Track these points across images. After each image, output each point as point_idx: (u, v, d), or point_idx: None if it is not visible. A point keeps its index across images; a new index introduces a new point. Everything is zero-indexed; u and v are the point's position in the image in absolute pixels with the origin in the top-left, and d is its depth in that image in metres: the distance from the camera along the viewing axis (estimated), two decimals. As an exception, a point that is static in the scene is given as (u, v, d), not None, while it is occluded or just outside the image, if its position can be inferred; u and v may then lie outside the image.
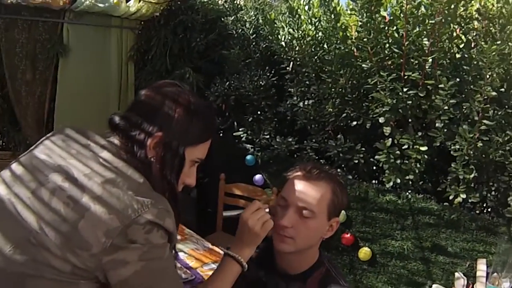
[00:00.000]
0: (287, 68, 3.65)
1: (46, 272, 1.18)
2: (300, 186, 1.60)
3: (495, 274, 2.69)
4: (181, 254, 2.70)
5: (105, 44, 4.10)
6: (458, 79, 2.85)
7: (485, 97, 2.66)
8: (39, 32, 3.85)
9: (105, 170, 1.27)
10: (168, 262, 1.32)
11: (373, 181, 3.30)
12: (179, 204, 1.41)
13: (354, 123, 3.29)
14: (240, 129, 3.90)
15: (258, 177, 3.72)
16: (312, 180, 1.60)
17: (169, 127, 1.36)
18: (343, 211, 3.22)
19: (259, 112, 3.85)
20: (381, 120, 3.03)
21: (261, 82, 3.71)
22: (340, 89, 3.28)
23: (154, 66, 4.11)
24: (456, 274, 2.87)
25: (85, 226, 1.17)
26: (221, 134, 4.16)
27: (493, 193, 2.84)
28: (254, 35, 3.91)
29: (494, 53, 2.57)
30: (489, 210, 2.92)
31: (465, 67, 2.90)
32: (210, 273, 2.60)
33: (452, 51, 3.02)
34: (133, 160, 1.33)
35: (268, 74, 3.75)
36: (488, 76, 2.63)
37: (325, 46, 3.48)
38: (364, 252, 3.23)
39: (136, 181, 1.28)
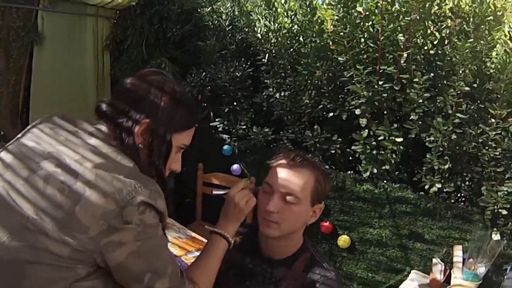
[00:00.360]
0: (263, 59, 3.68)
1: (45, 258, 1.21)
2: (284, 173, 1.67)
3: (471, 259, 2.82)
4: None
5: (81, 33, 4.04)
6: (432, 74, 2.95)
7: (458, 91, 2.77)
8: (12, 19, 3.78)
9: (95, 155, 1.31)
10: (161, 241, 1.38)
11: (350, 171, 3.39)
12: (167, 188, 1.45)
13: (331, 114, 3.37)
14: (217, 120, 3.93)
15: (235, 166, 3.78)
16: (296, 167, 1.68)
17: (155, 115, 1.41)
18: (321, 200, 3.32)
19: (235, 103, 3.88)
20: (357, 112, 3.12)
21: (237, 73, 3.74)
22: (316, 81, 3.35)
23: (130, 55, 4.09)
24: (434, 260, 3.00)
25: (81, 211, 1.21)
26: (197, 125, 4.17)
27: (467, 183, 2.96)
28: (230, 27, 3.92)
29: (467, 50, 2.69)
30: (463, 199, 3.04)
31: (438, 62, 3.01)
32: (195, 260, 2.65)
33: (426, 47, 3.12)
34: (121, 146, 1.37)
35: (244, 65, 3.77)
36: (461, 72, 2.74)
37: (301, 39, 3.53)
38: (343, 240, 3.33)
39: (126, 165, 1.33)
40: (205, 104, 4.13)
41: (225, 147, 3.83)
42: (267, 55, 3.67)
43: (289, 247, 1.77)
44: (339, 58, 3.16)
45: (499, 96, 2.71)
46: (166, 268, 1.36)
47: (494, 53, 2.94)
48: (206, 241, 1.80)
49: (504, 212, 2.72)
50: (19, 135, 1.46)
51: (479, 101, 2.90)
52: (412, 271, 3.14)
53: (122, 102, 1.43)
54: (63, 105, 3.96)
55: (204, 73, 3.94)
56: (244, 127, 3.79)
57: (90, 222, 1.20)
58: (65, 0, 3.85)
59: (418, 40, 3.03)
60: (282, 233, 1.67)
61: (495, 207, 2.73)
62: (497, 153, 2.72)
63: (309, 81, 3.38)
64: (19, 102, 4.02)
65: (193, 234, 3.11)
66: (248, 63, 3.81)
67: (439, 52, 3.07)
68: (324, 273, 1.73)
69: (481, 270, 2.78)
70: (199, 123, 1.59)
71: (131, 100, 1.42)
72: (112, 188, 1.24)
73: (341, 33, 3.10)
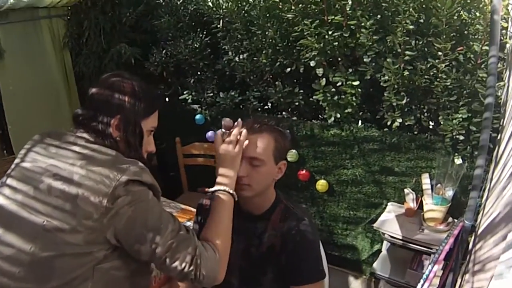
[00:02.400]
0: (218, 26, 3.55)
1: (66, 249, 1.38)
2: (247, 140, 1.75)
3: (439, 185, 2.83)
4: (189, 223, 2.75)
5: (38, 37, 3.86)
6: (379, 16, 2.86)
7: (405, 30, 2.68)
8: (-32, 40, 3.55)
9: (81, 159, 1.47)
10: (154, 203, 1.48)
11: (317, 119, 3.37)
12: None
13: (288, 69, 3.28)
14: (185, 92, 3.84)
15: (210, 133, 3.72)
16: (255, 133, 1.78)
17: (123, 110, 1.57)
18: (294, 151, 3.31)
19: (199, 73, 3.78)
20: (312, 63, 3.04)
21: (195, 45, 3.62)
22: (270, 40, 3.23)
23: (91, 48, 3.93)
24: (406, 191, 3.01)
25: (82, 201, 1.37)
26: (167, 100, 4.08)
27: (425, 114, 2.93)
28: (181, 0, 3.74)
29: (406, -12, 2.59)
30: (425, 129, 3.01)
31: (384, 4, 2.87)
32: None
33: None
34: (102, 144, 1.54)
35: (201, 35, 3.65)
36: (405, 11, 2.64)
37: (250, 0, 3.36)
38: (321, 184, 3.32)
39: (108, 156, 1.50)
40: (171, 80, 4.02)
41: (197, 116, 3.77)
42: (221, 21, 3.54)
43: (264, 203, 1.91)
44: (288, 15, 3.04)
45: (442, 30, 2.62)
46: (166, 226, 1.45)
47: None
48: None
49: (461, 137, 2.71)
50: (16, 161, 1.60)
51: (429, 35, 2.79)
52: (389, 204, 3.16)
53: (93, 109, 1.59)
54: (38, 112, 3.89)
55: (164, 51, 3.81)
56: (211, 94, 3.72)
57: (91, 208, 1.37)
58: (15, 9, 3.62)
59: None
60: (255, 192, 1.80)
61: (453, 134, 2.71)
62: (448, 84, 2.66)
63: (263, 41, 3.27)
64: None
65: (183, 206, 3.12)
66: (205, 32, 3.68)
67: (383, -7, 2.94)
68: (298, 220, 1.86)
69: (449, 193, 2.80)
70: (160, 106, 1.73)
71: (100, 105, 1.58)
72: (101, 177, 1.40)
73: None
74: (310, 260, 1.85)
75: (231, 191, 1.68)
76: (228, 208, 1.67)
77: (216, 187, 1.69)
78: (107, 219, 1.38)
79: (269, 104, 3.58)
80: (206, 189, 1.77)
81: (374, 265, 3.09)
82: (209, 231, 1.61)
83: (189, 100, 3.83)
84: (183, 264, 1.43)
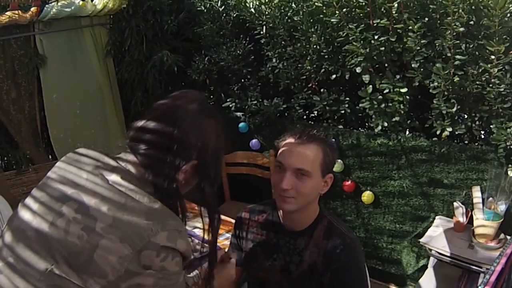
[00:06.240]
0: (261, 33, 3.57)
1: None
2: (293, 150, 1.75)
3: (490, 198, 2.74)
4: (196, 230, 2.74)
5: (81, 45, 3.98)
6: (426, 19, 2.80)
7: (454, 33, 2.62)
8: (13, 49, 3.73)
9: (114, 196, 1.24)
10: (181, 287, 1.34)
11: (363, 128, 3.32)
12: (219, 216, 1.51)
13: (334, 76, 3.26)
14: (228, 100, 3.86)
15: (254, 141, 3.75)
16: (303, 144, 1.75)
17: (203, 156, 1.35)
18: (340, 160, 3.27)
19: (242, 80, 3.80)
20: (358, 69, 3.01)
21: (238, 52, 3.66)
22: (315, 46, 3.22)
23: (132, 55, 4.02)
24: (455, 204, 2.92)
25: (100, 255, 1.17)
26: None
27: (477, 122, 2.84)
28: (223, 7, 3.80)
29: (455, -11, 2.53)
30: (477, 139, 2.92)
31: (432, 6, 2.82)
32: (226, 242, 2.67)
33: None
34: (145, 183, 1.30)
35: (244, 42, 3.68)
36: (454, 12, 2.58)
37: (293, 5, 3.37)
38: (367, 196, 3.27)
39: (145, 205, 1.25)
40: (214, 87, 4.07)
41: (241, 124, 3.78)
42: (264, 27, 3.55)
43: (307, 218, 1.85)
44: (332, 20, 3.02)
45: (495, 32, 2.52)
46: None
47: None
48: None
49: (516, 148, 2.61)
50: (48, 173, 1.41)
51: (478, 39, 2.70)
52: (437, 217, 3.07)
53: (158, 146, 1.33)
54: (79, 119, 4.00)
55: (207, 58, 3.85)
56: (255, 102, 3.70)
57: (108, 267, 1.17)
58: (58, 19, 3.77)
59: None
60: (299, 206, 1.75)
61: (507, 143, 2.60)
62: (502, 89, 2.57)
63: (308, 47, 3.26)
64: (37, 124, 4.02)
65: (223, 217, 3.07)
66: (248, 39, 3.71)
67: (431, -6, 2.89)
68: (344, 239, 1.80)
69: (502, 208, 2.70)
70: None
71: (172, 145, 1.32)
72: (128, 231, 1.19)
73: (329, -7, 2.96)
74: (356, 282, 1.79)
75: None
76: None
77: None
78: (126, 284, 1.19)
79: (315, 112, 3.55)
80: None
81: (420, 281, 3.02)
82: None
83: (233, 108, 3.84)
84: None
